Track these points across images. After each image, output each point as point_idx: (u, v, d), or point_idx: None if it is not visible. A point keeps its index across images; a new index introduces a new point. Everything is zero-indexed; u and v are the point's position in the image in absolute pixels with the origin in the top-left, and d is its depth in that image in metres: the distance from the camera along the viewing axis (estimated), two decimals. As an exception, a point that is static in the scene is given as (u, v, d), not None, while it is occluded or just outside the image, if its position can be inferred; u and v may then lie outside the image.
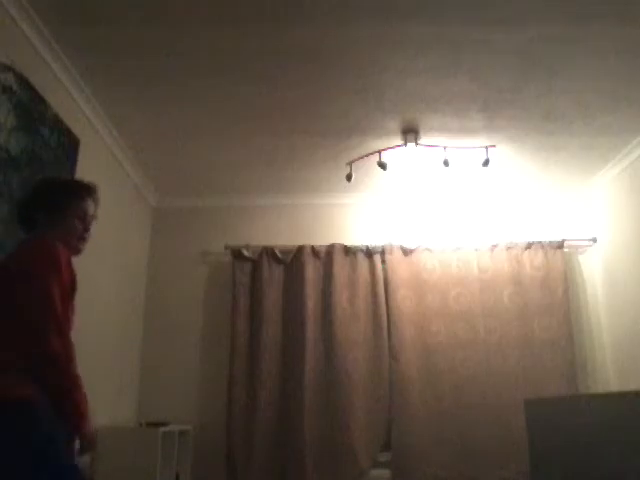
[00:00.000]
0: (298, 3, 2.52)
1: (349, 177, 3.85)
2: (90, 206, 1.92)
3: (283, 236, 4.51)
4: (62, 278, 1.68)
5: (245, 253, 4.39)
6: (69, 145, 3.01)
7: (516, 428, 3.77)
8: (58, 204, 1.85)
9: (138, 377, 4.22)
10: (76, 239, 1.86)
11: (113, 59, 2.88)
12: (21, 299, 1.61)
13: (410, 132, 3.64)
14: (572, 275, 4.45)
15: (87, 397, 1.69)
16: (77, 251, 1.89)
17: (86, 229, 1.90)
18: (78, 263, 3.09)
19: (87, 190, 1.93)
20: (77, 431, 1.67)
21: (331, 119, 3.48)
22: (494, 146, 3.78)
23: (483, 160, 3.76)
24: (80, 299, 3.17)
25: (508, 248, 4.40)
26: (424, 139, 3.70)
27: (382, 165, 3.71)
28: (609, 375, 4.22)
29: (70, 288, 1.74)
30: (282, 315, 4.29)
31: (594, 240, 4.44)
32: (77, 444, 1.72)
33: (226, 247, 4.42)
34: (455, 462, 3.98)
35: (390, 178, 4.24)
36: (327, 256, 4.39)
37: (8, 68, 2.39)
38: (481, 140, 3.74)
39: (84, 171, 3.17)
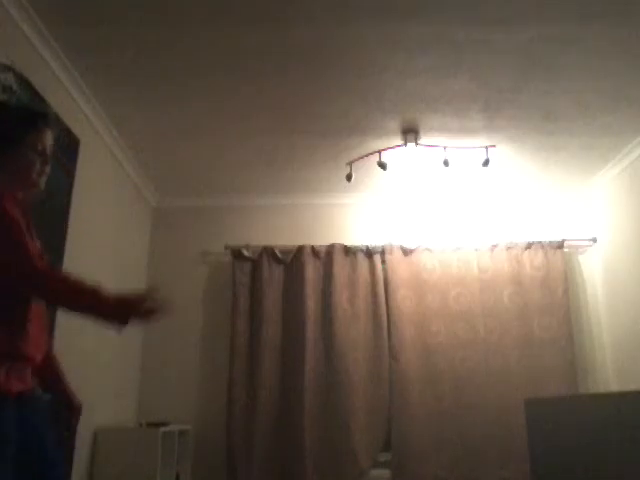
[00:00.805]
0: (298, 3, 2.52)
1: (349, 177, 3.85)
2: (49, 137, 1.73)
3: (283, 236, 4.50)
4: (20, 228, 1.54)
5: (245, 253, 4.39)
6: (69, 145, 3.01)
7: (516, 428, 3.76)
8: (14, 137, 1.65)
9: (138, 377, 4.22)
10: (35, 174, 1.68)
11: (113, 59, 2.88)
12: None
13: (410, 132, 3.63)
14: (572, 275, 4.45)
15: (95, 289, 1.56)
16: (35, 186, 1.71)
17: (45, 162, 1.71)
18: (78, 262, 3.10)
19: (45, 120, 1.74)
20: (111, 316, 1.55)
21: (331, 119, 3.48)
22: (494, 146, 3.78)
23: (483, 160, 3.76)
24: (80, 299, 3.18)
25: (508, 248, 4.40)
26: (424, 139, 3.70)
27: (382, 165, 3.71)
28: (609, 375, 4.22)
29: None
30: (282, 315, 4.29)
31: (594, 240, 4.44)
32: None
33: (226, 247, 4.42)
34: (455, 462, 3.98)
35: (390, 178, 4.24)
36: (327, 256, 4.39)
37: (8, 68, 2.39)
38: (481, 140, 3.74)
39: (84, 171, 3.18)
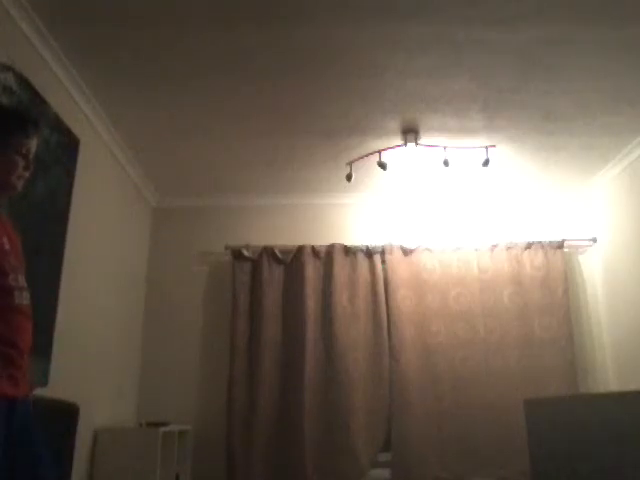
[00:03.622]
0: (298, 3, 2.52)
1: (349, 177, 3.85)
2: (34, 143, 1.72)
3: (283, 236, 4.50)
4: None
5: (245, 253, 4.39)
6: (69, 145, 3.01)
7: (516, 428, 3.75)
8: (1, 138, 1.64)
9: (138, 377, 4.22)
10: (16, 176, 1.66)
11: (113, 59, 2.88)
12: None
13: (410, 132, 3.63)
14: (572, 275, 4.45)
15: None
16: (14, 189, 1.69)
17: (27, 167, 1.69)
18: (77, 262, 3.10)
19: (34, 126, 1.75)
20: None
21: (331, 119, 3.48)
22: (494, 146, 3.78)
23: (483, 160, 3.76)
24: (81, 299, 3.19)
25: (508, 248, 4.40)
26: (424, 139, 3.70)
27: (382, 165, 3.71)
28: (609, 375, 4.22)
29: None
30: (282, 315, 4.28)
31: (594, 240, 4.44)
32: None
33: (226, 247, 4.42)
34: (455, 462, 3.98)
35: (390, 178, 4.24)
36: (327, 256, 4.39)
37: (8, 68, 2.39)
38: (481, 140, 3.73)
39: (84, 171, 3.18)
